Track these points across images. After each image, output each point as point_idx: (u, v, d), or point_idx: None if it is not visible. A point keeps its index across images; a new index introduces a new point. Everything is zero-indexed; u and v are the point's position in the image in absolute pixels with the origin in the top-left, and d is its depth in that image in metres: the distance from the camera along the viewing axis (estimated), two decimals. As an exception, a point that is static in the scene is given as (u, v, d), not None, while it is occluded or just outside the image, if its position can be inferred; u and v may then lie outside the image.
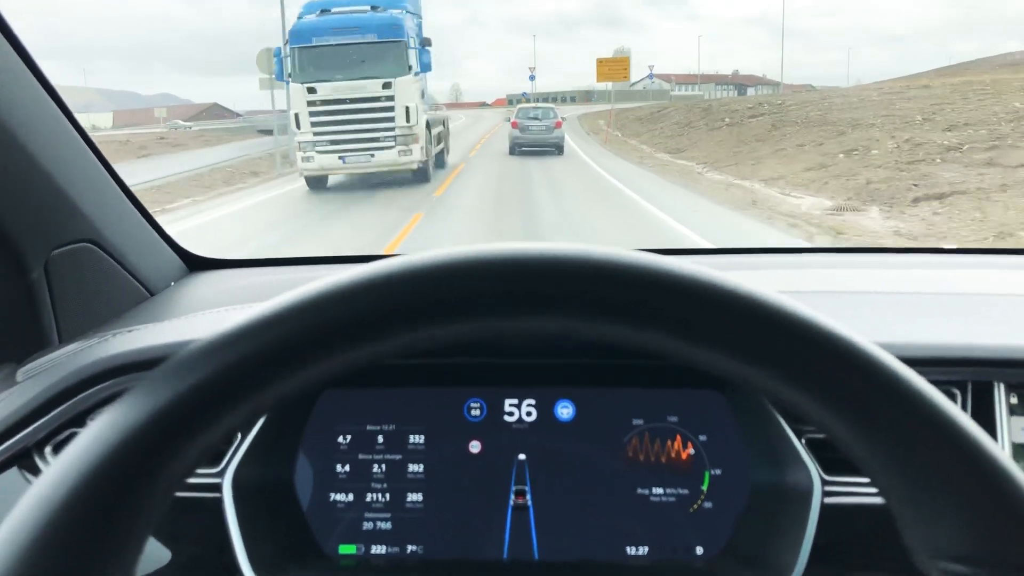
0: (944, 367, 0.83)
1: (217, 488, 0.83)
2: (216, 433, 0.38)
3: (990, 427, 0.82)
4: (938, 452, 0.36)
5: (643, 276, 0.38)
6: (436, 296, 0.38)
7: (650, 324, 0.38)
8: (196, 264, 1.38)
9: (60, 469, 0.35)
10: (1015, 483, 0.35)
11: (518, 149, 21.61)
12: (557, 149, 21.77)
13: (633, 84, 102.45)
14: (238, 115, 51.29)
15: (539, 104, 24.37)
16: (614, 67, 29.22)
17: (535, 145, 21.58)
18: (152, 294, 1.23)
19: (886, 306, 1.03)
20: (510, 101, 78.49)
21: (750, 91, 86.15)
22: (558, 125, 21.68)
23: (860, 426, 0.37)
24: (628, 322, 0.38)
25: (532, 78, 49.55)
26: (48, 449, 0.87)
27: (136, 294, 1.20)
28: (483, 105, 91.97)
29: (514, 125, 21.72)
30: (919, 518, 0.37)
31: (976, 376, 0.84)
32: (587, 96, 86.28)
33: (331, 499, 0.91)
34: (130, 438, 0.36)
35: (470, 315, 0.38)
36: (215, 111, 56.33)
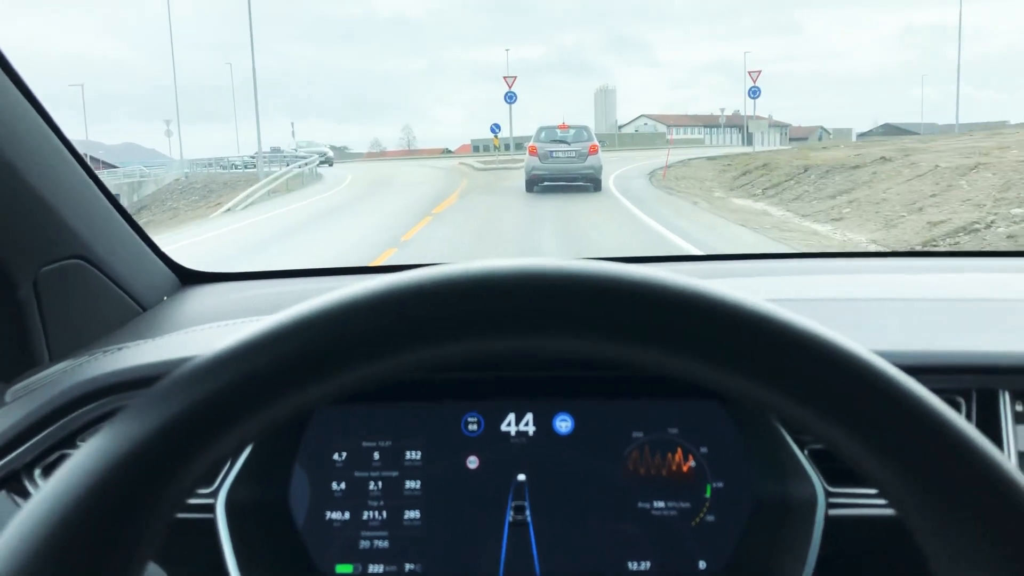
0: (949, 375, 0.82)
1: (210, 509, 0.82)
2: (217, 453, 0.36)
3: (996, 436, 0.81)
4: (961, 480, 0.35)
5: (670, 297, 0.36)
6: (462, 311, 0.36)
7: (679, 349, 0.36)
8: (189, 278, 1.36)
9: (52, 491, 0.34)
10: None
11: (538, 185, 16.01)
12: (593, 184, 16.10)
13: (622, 126, 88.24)
14: (113, 167, 36.27)
15: (568, 124, 17.67)
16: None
17: (561, 179, 15.98)
18: (144, 309, 1.21)
19: (886, 313, 1.01)
20: (475, 147, 66.09)
21: (757, 135, 71.61)
22: (593, 151, 16.06)
23: (879, 452, 0.35)
24: (658, 347, 0.36)
25: (511, 97, 29.52)
26: (37, 471, 0.85)
27: (128, 309, 1.18)
28: (445, 152, 76.99)
29: (532, 152, 16.24)
30: (942, 543, 0.35)
31: (981, 384, 0.82)
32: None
33: (327, 518, 0.90)
34: (128, 456, 0.34)
35: (502, 333, 0.36)
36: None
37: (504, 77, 29.36)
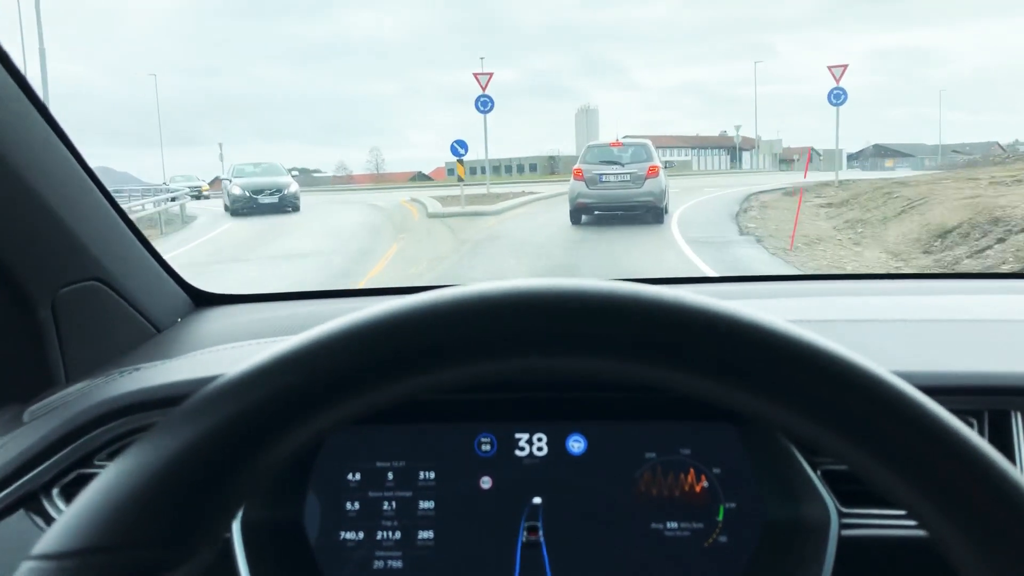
0: (960, 396, 0.82)
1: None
2: (261, 465, 0.36)
3: (1008, 456, 0.80)
4: (990, 503, 0.35)
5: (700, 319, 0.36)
6: (492, 331, 0.36)
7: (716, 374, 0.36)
8: (203, 300, 1.36)
9: (87, 504, 0.34)
10: None
11: (584, 215, 13.31)
12: (652, 215, 12.99)
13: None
14: None
15: (623, 141, 14.82)
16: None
17: (614, 207, 13.20)
18: (159, 331, 1.22)
19: (898, 334, 1.01)
20: (450, 171, 58.29)
21: (746, 156, 65.42)
22: (652, 172, 13.09)
23: (908, 477, 0.36)
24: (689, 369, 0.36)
25: (485, 104, 18.68)
26: (56, 491, 0.85)
27: (143, 331, 1.19)
28: (419, 175, 68.53)
29: (577, 175, 13.37)
30: (974, 564, 0.35)
31: (992, 405, 0.82)
32: (551, 165, 62.05)
33: (341, 538, 0.89)
34: (193, 450, 0.35)
35: (529, 351, 0.37)
36: None
37: (475, 74, 18.96)
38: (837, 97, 19.82)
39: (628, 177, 13.25)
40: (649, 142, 14.54)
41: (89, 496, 0.35)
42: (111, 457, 0.85)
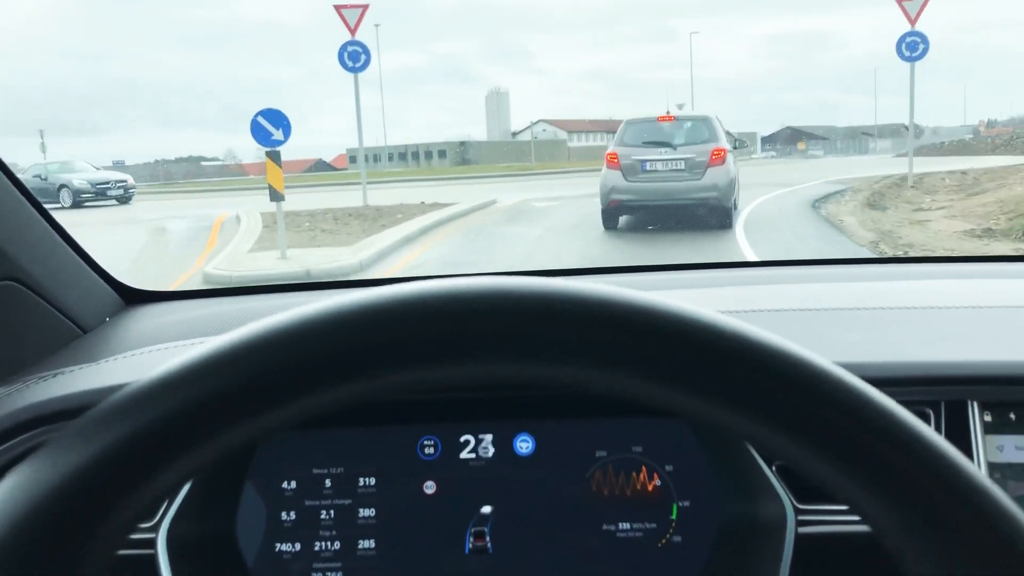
0: (916, 386, 0.81)
1: (151, 544, 0.78)
2: (154, 491, 0.32)
3: (965, 446, 0.80)
4: (940, 499, 0.32)
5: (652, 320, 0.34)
6: (439, 333, 0.33)
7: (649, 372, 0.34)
8: (133, 297, 1.31)
9: None
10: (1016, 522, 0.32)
11: (618, 218, 9.66)
12: (716, 216, 9.36)
13: (516, 133, 74.90)
14: None
15: (678, 114, 10.89)
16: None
17: (660, 201, 9.64)
18: (85, 331, 1.16)
19: (850, 323, 0.99)
20: (352, 158, 52.85)
21: None
22: (716, 158, 9.45)
23: (854, 474, 0.33)
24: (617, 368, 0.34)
25: (355, 56, 10.81)
26: None
27: (67, 332, 1.14)
28: (319, 164, 61.75)
29: (612, 161, 9.65)
30: (919, 560, 0.33)
31: (949, 395, 0.81)
32: (461, 152, 56.01)
33: (277, 550, 0.86)
34: (54, 495, 0.31)
35: (476, 358, 0.33)
36: None
37: (338, 7, 10.87)
38: (913, 47, 11.52)
39: (682, 164, 9.68)
40: (712, 116, 10.39)
41: None
42: None
